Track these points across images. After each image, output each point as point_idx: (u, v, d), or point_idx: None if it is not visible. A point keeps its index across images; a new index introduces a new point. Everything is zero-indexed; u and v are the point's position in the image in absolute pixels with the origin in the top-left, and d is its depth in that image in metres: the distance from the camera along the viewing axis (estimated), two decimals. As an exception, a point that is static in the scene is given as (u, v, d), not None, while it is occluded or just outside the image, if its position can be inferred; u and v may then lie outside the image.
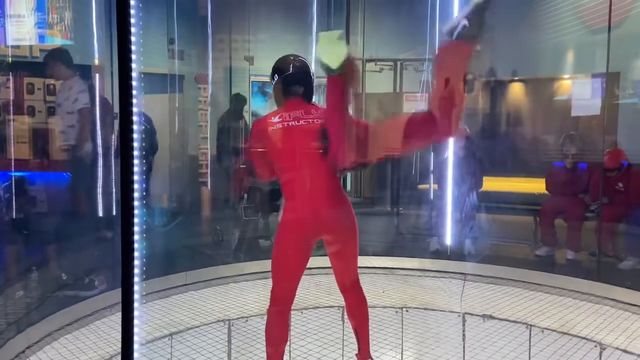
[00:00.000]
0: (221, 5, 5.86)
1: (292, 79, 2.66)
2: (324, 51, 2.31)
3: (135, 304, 1.46)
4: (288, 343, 2.92)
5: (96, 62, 4.67)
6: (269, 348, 2.67)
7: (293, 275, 2.64)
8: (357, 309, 2.83)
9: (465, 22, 2.08)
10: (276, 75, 2.69)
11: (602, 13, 5.18)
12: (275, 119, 2.59)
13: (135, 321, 1.46)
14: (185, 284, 4.69)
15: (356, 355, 2.90)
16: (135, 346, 1.48)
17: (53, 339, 3.52)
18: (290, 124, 2.56)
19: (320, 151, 2.52)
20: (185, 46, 6.07)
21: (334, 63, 2.28)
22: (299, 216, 2.57)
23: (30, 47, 4.89)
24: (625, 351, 3.40)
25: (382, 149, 2.60)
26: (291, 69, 2.67)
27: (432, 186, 6.09)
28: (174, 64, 5.80)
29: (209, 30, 5.62)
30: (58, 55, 4.28)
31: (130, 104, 1.39)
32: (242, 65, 7.02)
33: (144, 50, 1.51)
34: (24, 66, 4.78)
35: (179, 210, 6.10)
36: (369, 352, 2.89)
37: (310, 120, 2.57)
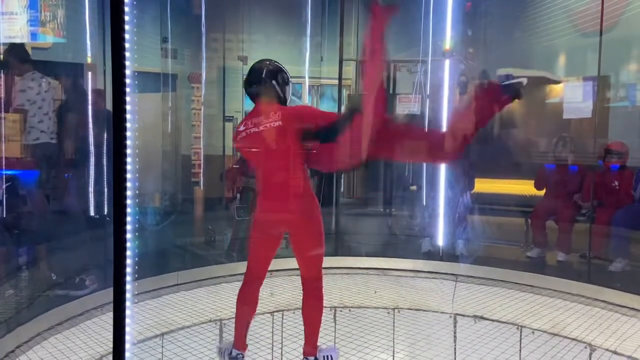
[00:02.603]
0: (215, 4, 5.84)
1: (247, 85, 2.89)
2: None
3: (127, 304, 1.46)
4: (281, 345, 2.93)
5: (89, 60, 4.64)
6: (238, 318, 3.00)
7: (260, 260, 2.97)
8: (309, 307, 3.00)
9: (525, 80, 2.30)
10: (248, 78, 2.91)
11: (594, 17, 5.23)
12: (241, 127, 2.85)
13: (127, 321, 1.46)
14: (177, 284, 4.67)
15: (303, 347, 3.06)
16: (127, 346, 1.47)
17: (43, 339, 3.50)
18: (251, 130, 2.79)
19: (286, 152, 2.75)
20: (178, 45, 6.06)
21: None
22: (263, 211, 2.91)
23: (22, 44, 4.85)
24: (615, 352, 3.42)
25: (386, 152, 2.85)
26: (248, 75, 2.89)
27: (425, 187, 6.10)
28: (167, 63, 5.78)
29: (203, 30, 5.61)
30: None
31: (124, 102, 1.39)
32: (235, 65, 7.00)
33: (137, 49, 1.51)
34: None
35: (172, 210, 6.08)
36: (314, 349, 3.02)
37: (269, 124, 2.76)
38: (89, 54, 4.62)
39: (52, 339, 3.51)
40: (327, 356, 3.07)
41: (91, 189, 4.46)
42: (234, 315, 3.04)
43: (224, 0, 6.46)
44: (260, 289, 3.02)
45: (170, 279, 4.68)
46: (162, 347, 3.20)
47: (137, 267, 1.52)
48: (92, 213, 4.50)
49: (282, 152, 2.78)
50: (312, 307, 3.00)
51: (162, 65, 5.71)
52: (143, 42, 5.25)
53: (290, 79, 2.96)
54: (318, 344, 3.04)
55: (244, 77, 2.94)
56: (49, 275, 4.22)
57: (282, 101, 2.89)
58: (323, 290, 3.00)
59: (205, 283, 4.77)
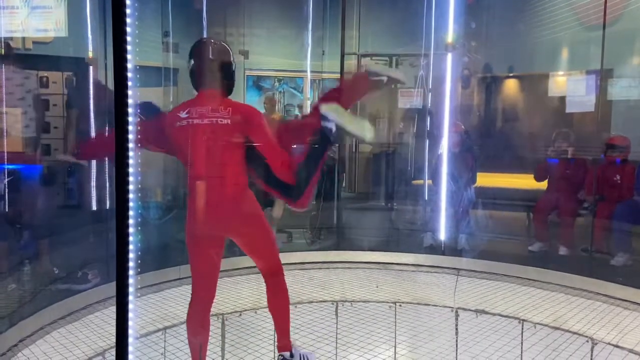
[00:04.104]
0: (216, -2, 5.82)
1: (205, 68, 2.52)
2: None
3: (130, 298, 1.46)
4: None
5: (90, 54, 4.64)
6: (190, 344, 2.69)
7: (203, 273, 2.63)
8: (274, 302, 2.79)
9: (385, 79, 2.62)
10: (191, 60, 2.54)
11: (597, 10, 5.20)
12: (183, 114, 2.48)
13: (130, 315, 1.46)
14: (180, 278, 4.68)
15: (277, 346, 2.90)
16: (130, 340, 1.47)
17: (46, 333, 3.51)
18: (194, 121, 2.45)
19: (224, 151, 2.48)
20: (180, 39, 6.04)
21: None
22: (196, 215, 2.54)
23: (23, 39, 4.84)
24: (616, 346, 3.43)
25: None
26: (206, 57, 2.52)
27: (427, 182, 6.10)
28: (169, 57, 5.76)
29: (204, 24, 5.58)
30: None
31: (126, 96, 1.39)
32: (236, 59, 6.99)
33: (139, 43, 1.50)
34: (16, 58, 4.73)
35: (174, 204, 6.08)
36: (287, 344, 2.85)
37: (215, 119, 2.45)
38: (90, 48, 4.61)
39: (54, 333, 3.52)
40: (304, 355, 2.91)
41: (93, 183, 4.46)
42: (236, 310, 3.04)
43: (225, -6, 6.44)
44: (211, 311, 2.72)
45: (173, 273, 4.69)
46: (165, 341, 3.21)
47: (139, 261, 1.52)
48: (94, 207, 4.51)
49: (223, 151, 2.48)
50: (276, 301, 2.80)
51: (164, 59, 5.70)
52: (144, 37, 5.23)
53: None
54: (294, 342, 2.91)
55: (198, 58, 2.54)
56: (52, 270, 4.23)
57: (229, 90, 2.61)
58: (285, 281, 2.79)
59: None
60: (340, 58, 6.09)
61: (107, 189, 4.44)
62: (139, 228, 1.47)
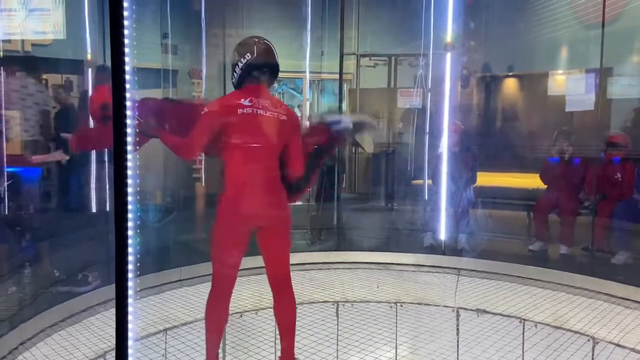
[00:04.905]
0: (215, -1, 5.83)
1: (262, 65, 2.64)
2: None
3: (130, 300, 1.45)
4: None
5: (89, 56, 4.64)
6: (207, 333, 2.76)
7: (231, 260, 2.72)
8: (283, 308, 2.81)
9: (350, 125, 2.78)
10: (248, 55, 2.63)
11: (597, 9, 5.20)
12: (246, 102, 2.58)
13: (130, 317, 1.45)
14: (180, 280, 4.68)
15: (279, 357, 2.86)
16: (130, 342, 1.47)
17: (46, 335, 3.50)
18: (259, 112, 2.59)
19: (272, 147, 2.66)
20: (178, 41, 6.04)
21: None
22: (237, 200, 2.63)
23: (22, 41, 4.84)
24: (618, 345, 3.42)
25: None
26: (261, 54, 2.64)
27: (427, 181, 6.10)
28: (168, 59, 5.76)
29: (203, 25, 5.59)
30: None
31: (124, 98, 1.38)
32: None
33: (137, 45, 1.50)
34: (15, 60, 4.73)
35: (173, 206, 6.08)
36: (292, 358, 2.84)
37: (276, 114, 2.64)
38: (88, 50, 4.61)
39: (55, 336, 3.52)
40: None
41: (93, 185, 4.46)
42: (237, 311, 3.04)
43: (224, -5, 6.44)
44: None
45: (173, 274, 4.69)
46: (166, 342, 3.21)
47: (139, 264, 1.51)
48: (93, 209, 4.51)
49: (274, 145, 2.66)
50: (287, 310, 2.80)
51: (163, 61, 5.70)
52: (143, 38, 5.23)
53: None
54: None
55: (254, 54, 2.65)
56: (52, 272, 4.23)
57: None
58: (294, 294, 2.82)
59: (207, 278, 4.72)
60: (339, 58, 6.08)
61: (107, 191, 4.44)
62: (138, 230, 1.47)
